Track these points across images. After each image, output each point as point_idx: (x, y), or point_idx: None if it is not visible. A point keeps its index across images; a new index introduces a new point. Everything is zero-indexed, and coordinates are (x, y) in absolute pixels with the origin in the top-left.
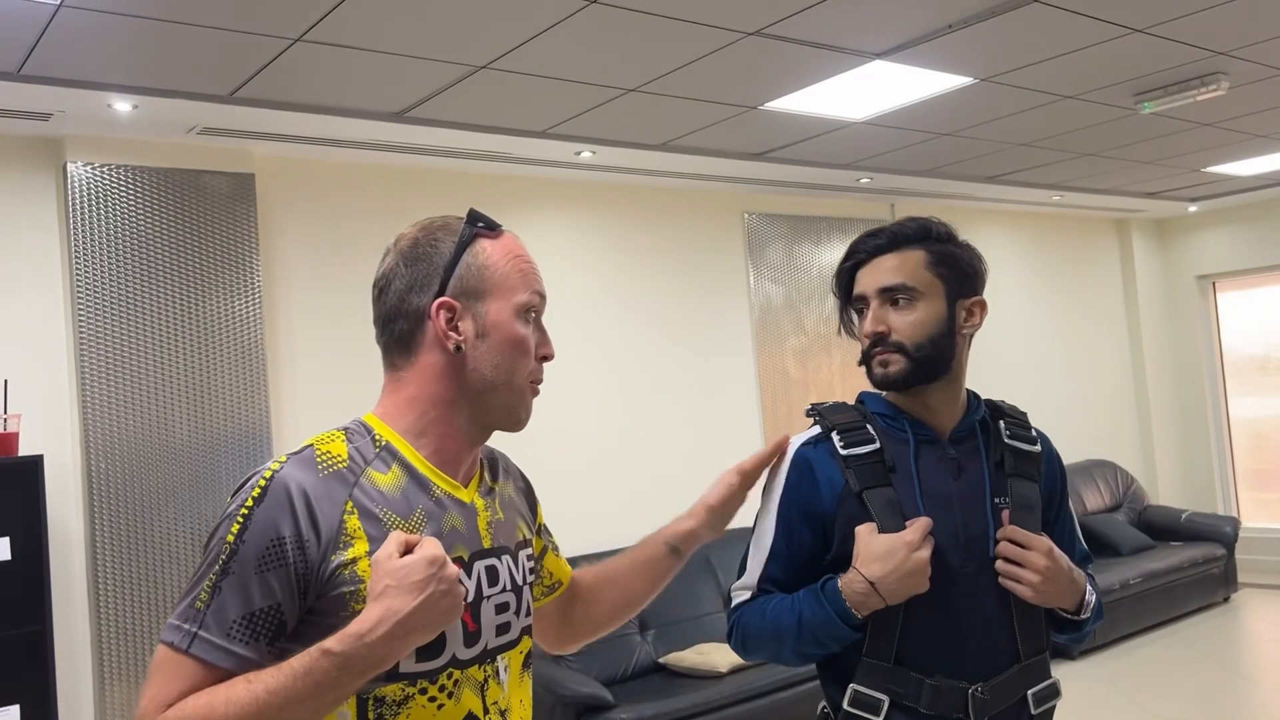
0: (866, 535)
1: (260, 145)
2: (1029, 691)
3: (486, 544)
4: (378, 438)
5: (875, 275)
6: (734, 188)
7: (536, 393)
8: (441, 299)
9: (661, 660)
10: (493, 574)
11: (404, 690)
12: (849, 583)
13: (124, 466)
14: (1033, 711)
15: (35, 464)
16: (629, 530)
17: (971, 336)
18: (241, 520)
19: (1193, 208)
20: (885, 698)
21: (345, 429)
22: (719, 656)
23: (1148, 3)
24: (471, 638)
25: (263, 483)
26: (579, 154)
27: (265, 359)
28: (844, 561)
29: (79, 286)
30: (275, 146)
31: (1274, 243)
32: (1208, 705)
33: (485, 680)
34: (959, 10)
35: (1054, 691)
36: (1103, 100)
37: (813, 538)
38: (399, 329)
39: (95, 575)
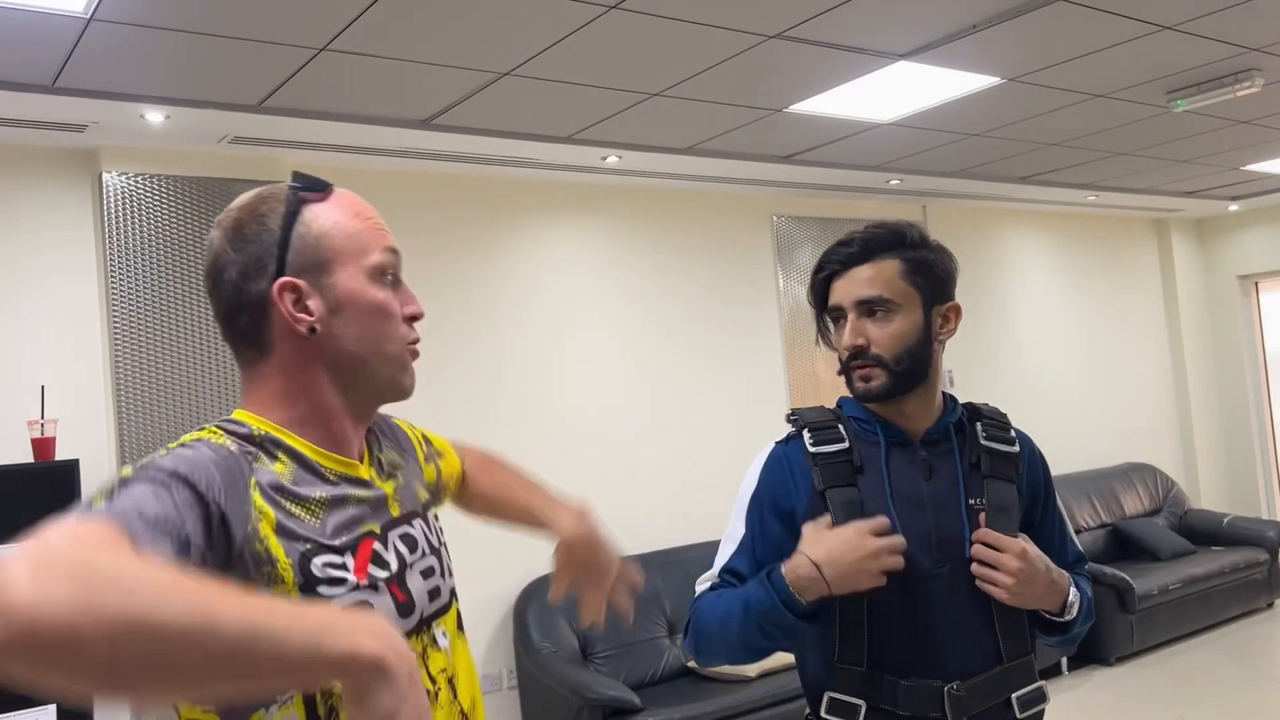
0: (814, 527)
1: (290, 154)
2: (1014, 695)
3: (395, 512)
4: (256, 430)
5: (851, 287)
6: (763, 190)
7: (415, 354)
8: (281, 279)
9: (690, 664)
10: (410, 541)
11: None
12: (794, 567)
13: None
14: (1018, 715)
15: (72, 468)
16: (658, 534)
17: (946, 341)
18: (165, 454)
19: (1233, 206)
20: (861, 703)
21: (220, 426)
22: None
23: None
24: (405, 608)
25: (178, 446)
26: (605, 159)
27: None
28: None
29: (114, 293)
30: (305, 155)
31: None
32: (1249, 714)
33: (424, 650)
34: (982, 10)
35: (1041, 696)
36: (1134, 99)
37: (782, 532)
38: (243, 323)
39: None
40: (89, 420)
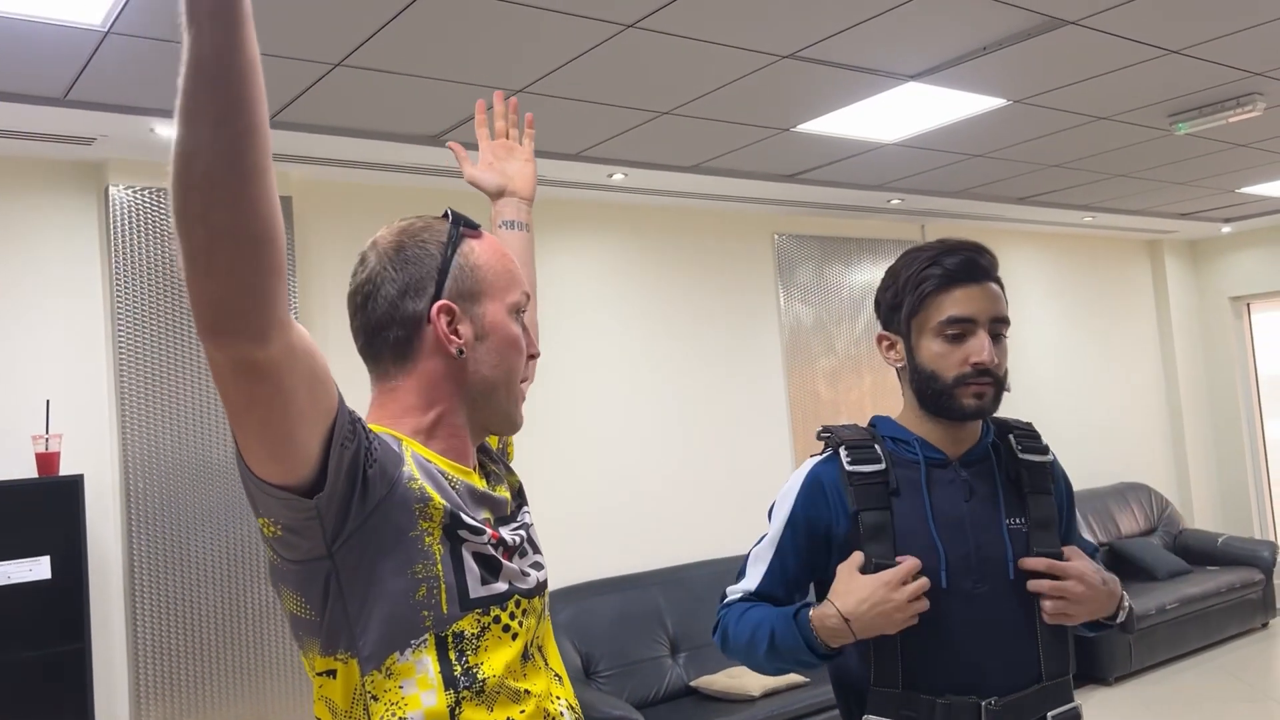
0: (847, 570)
1: (297, 168)
2: (1049, 713)
3: (508, 511)
4: (386, 435)
5: (988, 301)
6: (765, 209)
7: (523, 396)
8: (441, 302)
9: (693, 683)
10: (519, 537)
11: (479, 620)
12: (822, 616)
13: (162, 487)
14: None
15: (76, 483)
16: (660, 552)
17: None
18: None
19: (1226, 228)
20: None
21: None
22: (751, 680)
23: (1183, 24)
24: (521, 578)
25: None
26: (611, 176)
27: None
28: None
29: (119, 307)
30: (312, 169)
31: None
32: None
33: (541, 613)
34: (994, 32)
35: (1075, 715)
36: (1137, 121)
37: (814, 556)
38: (393, 336)
39: (133, 595)
40: (93, 435)
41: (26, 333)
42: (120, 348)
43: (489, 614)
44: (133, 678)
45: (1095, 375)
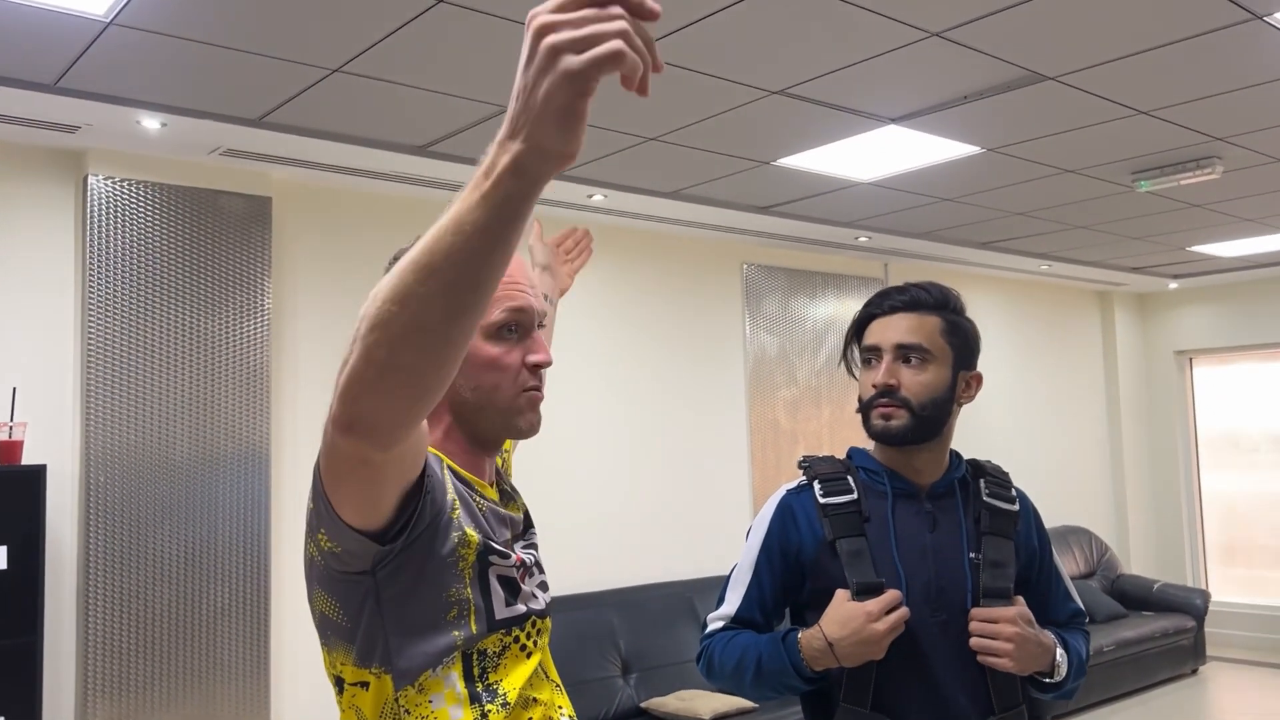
0: (839, 599)
1: (279, 169)
2: None
3: (520, 530)
4: (431, 456)
5: (893, 330)
6: (736, 238)
7: (538, 399)
8: None
9: (644, 705)
10: (530, 558)
11: (501, 640)
12: (809, 639)
13: (123, 481)
14: None
15: (38, 473)
16: (616, 573)
17: (964, 406)
18: None
19: (1173, 284)
20: None
21: None
22: (701, 703)
23: (1154, 86)
24: (533, 597)
25: None
26: (591, 196)
27: (270, 381)
28: (815, 599)
29: (90, 298)
30: (293, 171)
31: (1250, 322)
32: None
33: (535, 639)
34: (977, 82)
35: None
36: (1101, 176)
37: (788, 579)
38: None
39: (86, 589)
40: (55, 425)
41: None
42: (89, 339)
43: (510, 634)
44: (81, 674)
45: (1043, 418)
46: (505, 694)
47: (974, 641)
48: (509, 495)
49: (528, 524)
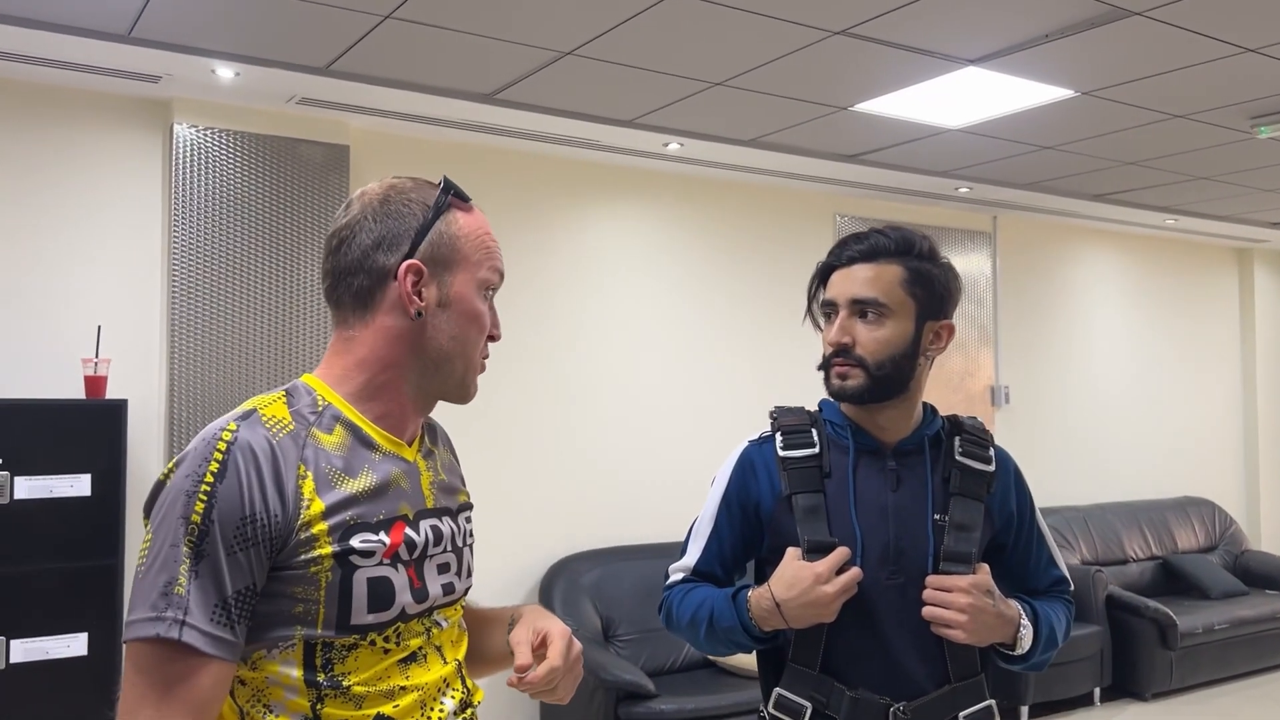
0: (789, 558)
1: (355, 118)
2: (961, 713)
3: (430, 504)
4: (319, 400)
5: (848, 284)
6: (826, 189)
7: (483, 369)
8: (410, 260)
9: (711, 656)
10: (437, 533)
11: (353, 639)
12: (758, 598)
13: (204, 416)
14: None
15: (120, 408)
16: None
17: (934, 358)
18: (205, 499)
19: None
20: (808, 704)
21: (286, 390)
22: None
23: (1260, 21)
24: (419, 594)
25: (219, 455)
26: (667, 145)
27: None
28: (774, 555)
29: (175, 241)
30: (370, 120)
31: None
32: None
33: (427, 630)
34: (1055, 20)
35: (989, 714)
36: (1215, 121)
37: (748, 533)
38: (357, 284)
39: None
40: (141, 363)
41: (86, 260)
42: (174, 281)
43: (365, 637)
44: None
45: (1167, 383)
46: (350, 686)
47: (926, 610)
48: (440, 464)
49: (462, 508)
